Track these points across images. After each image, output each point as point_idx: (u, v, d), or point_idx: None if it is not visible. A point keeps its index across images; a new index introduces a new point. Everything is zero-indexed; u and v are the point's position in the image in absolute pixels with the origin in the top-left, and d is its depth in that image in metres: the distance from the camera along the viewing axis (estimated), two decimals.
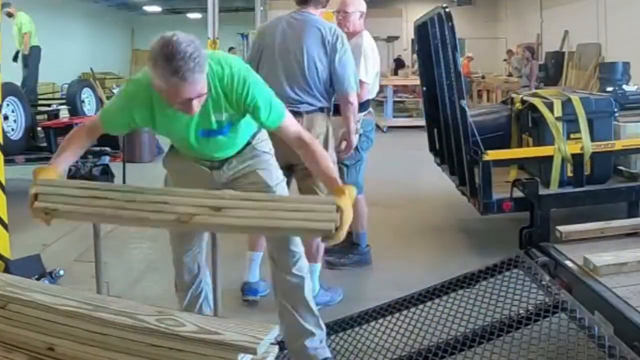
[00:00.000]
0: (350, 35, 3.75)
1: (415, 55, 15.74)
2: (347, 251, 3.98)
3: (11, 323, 1.93)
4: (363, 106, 3.66)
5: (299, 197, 3.01)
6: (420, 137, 10.27)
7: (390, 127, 11.01)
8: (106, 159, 6.76)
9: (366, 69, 3.70)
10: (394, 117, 11.53)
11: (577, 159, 3.80)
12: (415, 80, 12.68)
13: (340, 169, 3.71)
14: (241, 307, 3.40)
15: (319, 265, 3.35)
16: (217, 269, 2.40)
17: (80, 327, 1.83)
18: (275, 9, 11.01)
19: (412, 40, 14.34)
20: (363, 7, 3.89)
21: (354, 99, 3.22)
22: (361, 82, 3.60)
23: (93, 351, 1.78)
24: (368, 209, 4.09)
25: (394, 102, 11.83)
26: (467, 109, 3.84)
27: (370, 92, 3.83)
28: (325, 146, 3.08)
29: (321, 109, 3.20)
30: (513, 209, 3.78)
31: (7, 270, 3.51)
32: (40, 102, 8.61)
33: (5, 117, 5.76)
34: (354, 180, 3.76)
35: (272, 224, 1.95)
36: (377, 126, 7.92)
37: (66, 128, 6.12)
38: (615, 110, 4.01)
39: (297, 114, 2.93)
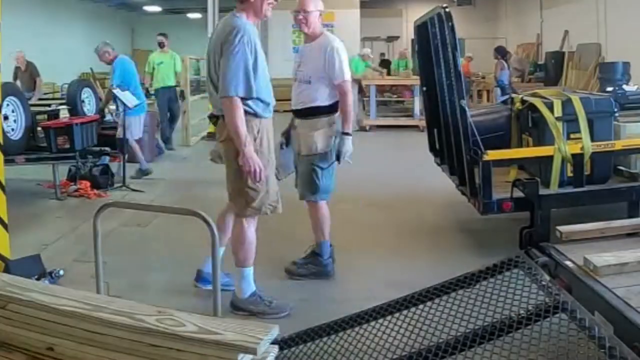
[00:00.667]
0: (311, 37, 3.75)
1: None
2: (307, 261, 3.89)
3: (11, 323, 1.93)
4: (336, 106, 3.72)
5: None
6: (405, 136, 10.41)
7: (372, 127, 11.41)
8: (106, 159, 6.77)
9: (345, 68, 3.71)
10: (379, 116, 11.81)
11: (577, 159, 3.80)
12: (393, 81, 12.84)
13: (314, 171, 3.72)
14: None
15: (249, 270, 3.31)
16: (217, 270, 2.40)
17: (79, 327, 1.83)
18: (274, 9, 10.94)
19: (412, 40, 14.34)
20: (321, 5, 3.80)
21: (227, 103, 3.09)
22: (345, 82, 3.66)
23: (93, 351, 1.78)
24: (366, 209, 4.07)
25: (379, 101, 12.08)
26: (467, 109, 3.84)
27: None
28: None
29: None
30: (513, 209, 3.78)
31: (7, 270, 3.51)
32: (40, 102, 8.61)
33: (5, 117, 5.76)
34: (326, 183, 3.75)
35: None
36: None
37: (66, 128, 6.13)
38: (615, 110, 4.01)
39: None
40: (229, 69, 3.00)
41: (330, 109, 3.73)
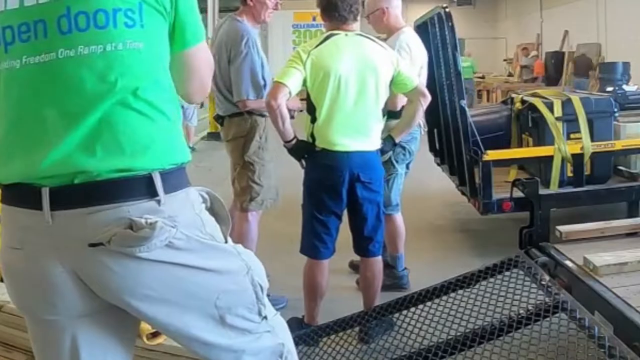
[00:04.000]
0: (387, 34, 3.51)
1: None
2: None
3: (7, 324, 1.93)
4: (398, 113, 3.15)
5: None
6: None
7: None
8: None
9: None
10: None
11: (577, 159, 3.80)
12: None
13: None
14: None
15: None
16: None
17: None
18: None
19: None
20: (384, 2, 3.45)
21: (243, 105, 3.22)
22: None
23: None
24: None
25: None
26: (467, 109, 3.84)
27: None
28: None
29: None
30: (513, 209, 3.77)
31: None
32: None
33: None
34: (386, 196, 3.26)
35: None
36: None
37: None
38: (615, 110, 4.01)
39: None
40: (242, 73, 3.16)
41: (396, 115, 3.17)
